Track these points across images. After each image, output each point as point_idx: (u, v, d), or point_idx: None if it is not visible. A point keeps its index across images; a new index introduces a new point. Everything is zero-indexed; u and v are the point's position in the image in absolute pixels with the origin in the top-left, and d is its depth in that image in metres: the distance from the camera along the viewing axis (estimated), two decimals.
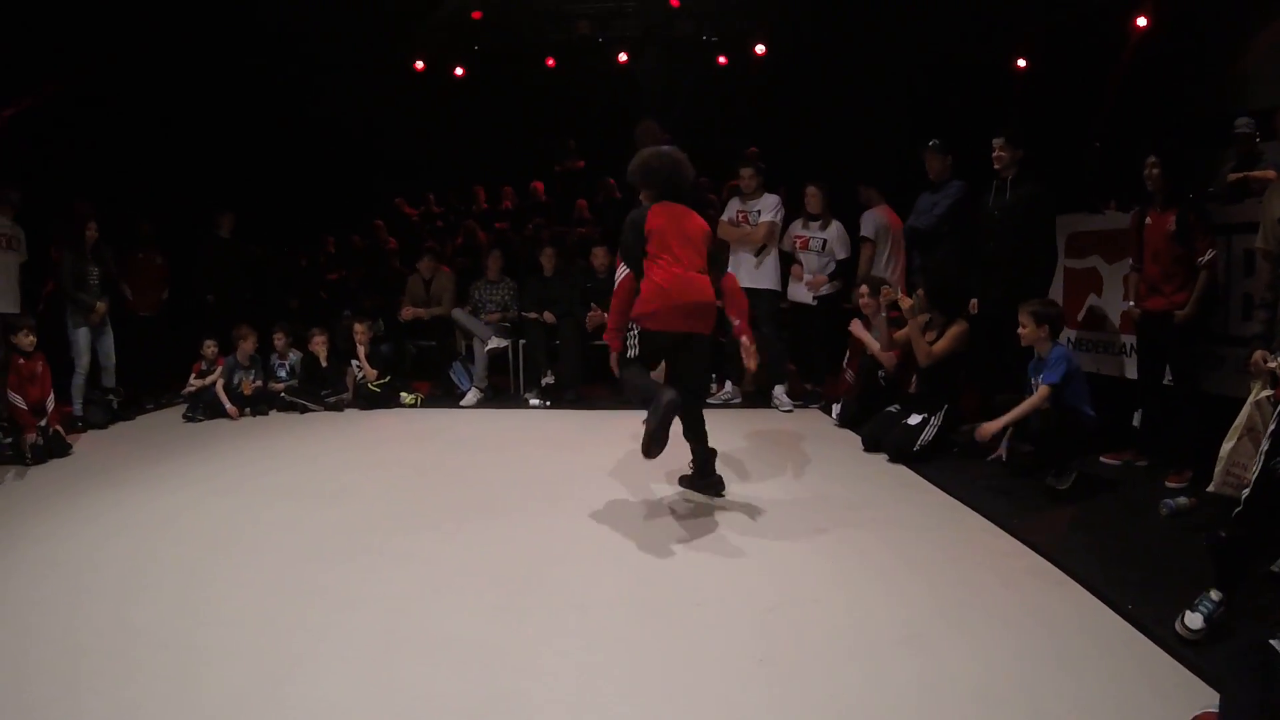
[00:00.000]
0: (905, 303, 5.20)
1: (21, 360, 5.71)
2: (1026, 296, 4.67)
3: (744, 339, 4.20)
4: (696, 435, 4.28)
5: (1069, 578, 3.17)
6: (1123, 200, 5.74)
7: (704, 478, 4.30)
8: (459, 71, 10.12)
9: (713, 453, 4.30)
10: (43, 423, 5.65)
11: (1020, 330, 4.45)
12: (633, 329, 4.10)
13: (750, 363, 4.21)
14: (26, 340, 5.75)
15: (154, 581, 3.38)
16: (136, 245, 7.54)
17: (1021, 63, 8.26)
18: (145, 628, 2.95)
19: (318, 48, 8.90)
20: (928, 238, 6.03)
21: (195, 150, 8.70)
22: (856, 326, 5.91)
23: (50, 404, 5.82)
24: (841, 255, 6.76)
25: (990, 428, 4.34)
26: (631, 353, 4.13)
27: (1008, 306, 4.81)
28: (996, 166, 5.33)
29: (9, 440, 5.45)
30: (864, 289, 5.86)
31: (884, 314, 5.47)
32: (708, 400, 6.92)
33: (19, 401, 5.55)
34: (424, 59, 9.96)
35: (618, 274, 4.24)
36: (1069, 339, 5.59)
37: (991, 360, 5.31)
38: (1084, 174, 7.18)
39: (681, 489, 4.38)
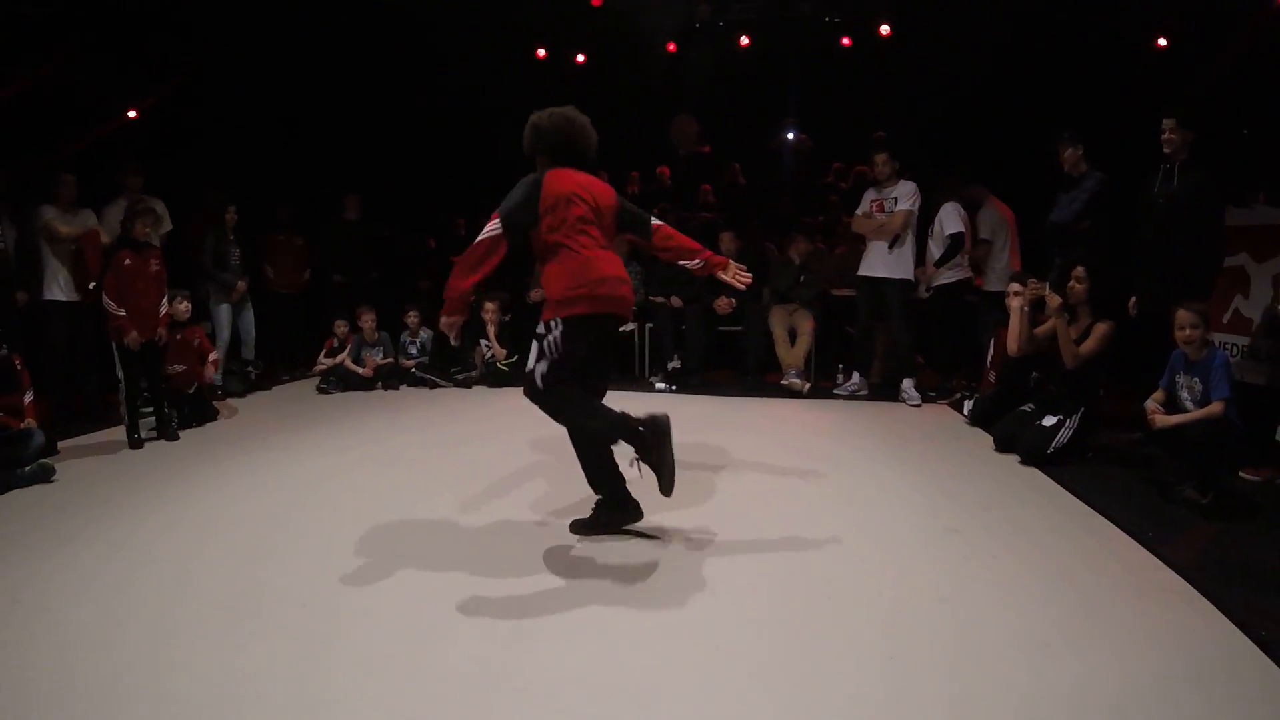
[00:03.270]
0: (1054, 300, 4.95)
1: (179, 334, 6.02)
2: (1187, 294, 4.34)
3: (719, 265, 3.81)
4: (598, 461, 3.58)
5: (1202, 596, 3.05)
6: (1273, 193, 5.43)
7: (612, 511, 3.64)
8: (580, 58, 10.23)
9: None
10: (191, 390, 6.03)
11: (1183, 333, 4.13)
12: (550, 330, 3.35)
13: (733, 277, 3.84)
14: (181, 308, 6.04)
15: (290, 544, 3.60)
16: (278, 228, 7.99)
17: (1162, 42, 7.78)
18: (283, 588, 3.13)
19: (443, 37, 9.12)
20: (1066, 233, 5.76)
21: (330, 138, 9.09)
22: (1016, 304, 5.48)
23: (208, 373, 6.21)
24: (951, 229, 6.53)
25: (1166, 420, 4.10)
26: (545, 361, 3.35)
27: (1164, 303, 4.50)
28: (1166, 150, 4.95)
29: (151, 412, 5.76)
30: (1015, 285, 5.59)
31: (1027, 309, 5.28)
32: (833, 392, 6.97)
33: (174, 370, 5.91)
34: (545, 46, 10.11)
35: (486, 229, 3.41)
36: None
37: (1139, 360, 4.99)
38: (1232, 164, 6.79)
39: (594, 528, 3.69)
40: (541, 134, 3.63)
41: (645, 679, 2.50)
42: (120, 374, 5.42)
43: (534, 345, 3.40)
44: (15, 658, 2.65)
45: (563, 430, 3.56)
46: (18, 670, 2.58)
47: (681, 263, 3.85)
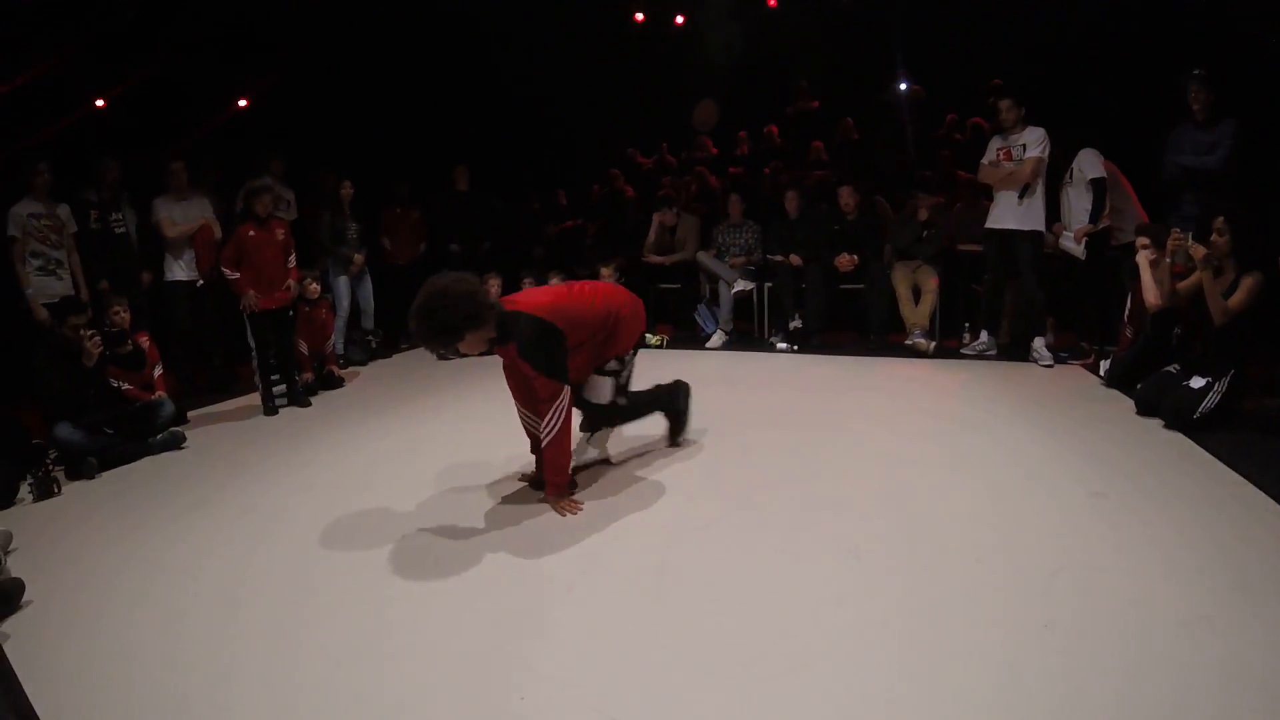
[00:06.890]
0: (1198, 251, 4.56)
1: (307, 308, 6.35)
2: None
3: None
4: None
5: None
6: None
7: (680, 415, 4.38)
8: (679, 20, 10.10)
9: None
10: (318, 364, 6.38)
11: None
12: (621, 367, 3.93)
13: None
14: (310, 288, 6.38)
15: (431, 502, 3.75)
16: (394, 202, 8.20)
17: None
18: (424, 546, 3.26)
19: (545, 6, 9.19)
20: (1210, 180, 5.34)
21: (442, 113, 9.27)
22: (1143, 258, 5.21)
23: (329, 346, 6.53)
24: (1092, 174, 6.04)
25: None
26: (625, 378, 3.99)
27: None
28: None
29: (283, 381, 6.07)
30: (1143, 239, 5.23)
31: (1169, 262, 4.93)
32: (960, 351, 6.70)
33: (303, 347, 6.23)
34: (644, 10, 10.03)
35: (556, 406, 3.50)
36: None
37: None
38: None
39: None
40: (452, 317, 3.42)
41: (782, 645, 2.47)
42: (251, 343, 5.70)
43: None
44: (159, 614, 2.86)
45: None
46: (165, 626, 2.78)
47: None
